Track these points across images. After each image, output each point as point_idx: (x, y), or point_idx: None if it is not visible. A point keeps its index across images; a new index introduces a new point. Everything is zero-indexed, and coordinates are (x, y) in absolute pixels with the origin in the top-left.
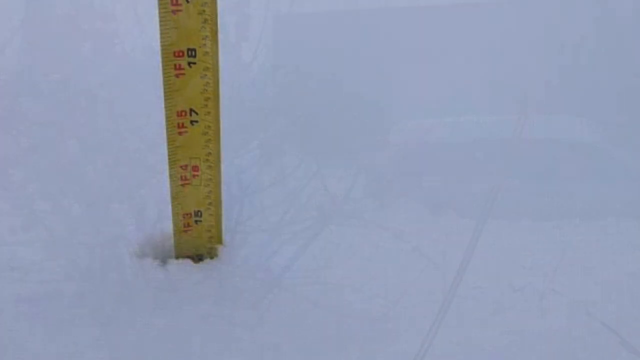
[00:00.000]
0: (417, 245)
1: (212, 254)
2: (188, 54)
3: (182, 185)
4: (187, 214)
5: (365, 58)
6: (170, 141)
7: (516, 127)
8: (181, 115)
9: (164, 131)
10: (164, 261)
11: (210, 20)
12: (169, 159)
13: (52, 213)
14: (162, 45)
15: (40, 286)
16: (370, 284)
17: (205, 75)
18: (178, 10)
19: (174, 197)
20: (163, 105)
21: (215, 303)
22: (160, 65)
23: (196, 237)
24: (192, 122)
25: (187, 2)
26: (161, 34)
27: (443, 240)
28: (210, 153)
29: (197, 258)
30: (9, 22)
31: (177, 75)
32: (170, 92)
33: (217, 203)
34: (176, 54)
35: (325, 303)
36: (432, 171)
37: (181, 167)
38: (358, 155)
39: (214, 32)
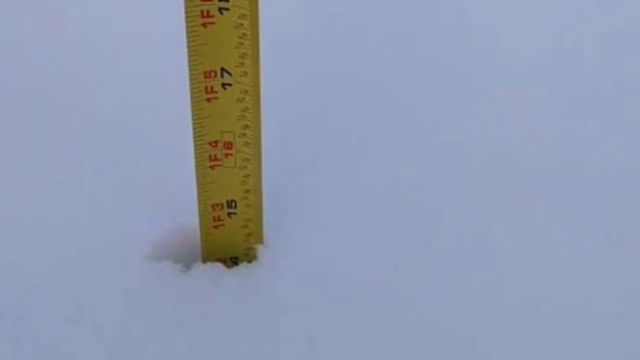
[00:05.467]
0: (511, 247)
1: (250, 256)
2: None
3: (212, 167)
4: (217, 205)
5: (445, 4)
6: (196, 110)
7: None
8: (210, 77)
9: (187, 98)
10: (187, 265)
11: None
12: (194, 133)
13: (45, 205)
14: None
15: (29, 296)
16: (451, 294)
17: (241, 24)
18: None
19: (201, 183)
20: (186, 64)
21: (253, 318)
22: (183, 12)
23: (229, 234)
24: (224, 85)
25: None
26: None
27: (543, 239)
28: (247, 125)
29: (231, 261)
30: None
31: (204, 25)
32: (195, 47)
33: (256, 190)
34: None
35: (394, 318)
36: (530, 149)
37: (210, 143)
38: (436, 129)
39: None
